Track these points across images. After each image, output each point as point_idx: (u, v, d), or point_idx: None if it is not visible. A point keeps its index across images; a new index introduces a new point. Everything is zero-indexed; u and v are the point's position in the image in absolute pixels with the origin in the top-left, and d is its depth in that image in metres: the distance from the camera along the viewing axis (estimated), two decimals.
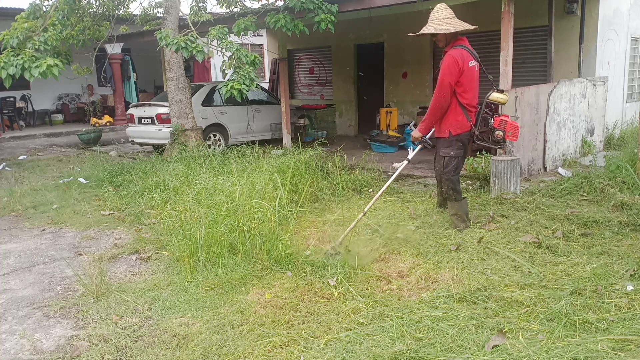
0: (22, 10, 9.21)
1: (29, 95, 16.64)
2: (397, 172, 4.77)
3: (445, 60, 4.32)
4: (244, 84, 7.35)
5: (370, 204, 4.54)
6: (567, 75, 8.48)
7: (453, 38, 4.43)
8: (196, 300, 3.57)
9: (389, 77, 11.77)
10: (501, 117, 4.34)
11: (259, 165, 6.31)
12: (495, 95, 4.31)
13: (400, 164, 5.02)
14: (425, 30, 4.45)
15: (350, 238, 4.35)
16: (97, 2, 10.54)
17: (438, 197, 5.13)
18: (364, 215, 4.45)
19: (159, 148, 10.09)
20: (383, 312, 3.21)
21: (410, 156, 4.77)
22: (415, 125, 9.52)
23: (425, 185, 6.69)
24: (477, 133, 4.40)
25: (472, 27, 4.38)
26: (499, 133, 4.30)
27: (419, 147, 4.75)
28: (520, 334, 2.84)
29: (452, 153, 4.50)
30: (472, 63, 4.35)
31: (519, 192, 5.89)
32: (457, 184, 4.63)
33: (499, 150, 6.34)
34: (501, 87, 6.41)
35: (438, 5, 4.51)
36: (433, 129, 4.67)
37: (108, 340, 3.07)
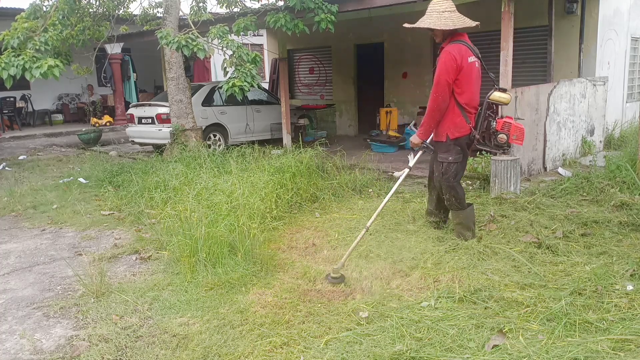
0: (22, 10, 9.20)
1: (29, 95, 16.64)
2: (399, 182, 4.30)
3: (442, 56, 3.99)
4: (245, 81, 7.35)
5: (372, 219, 4.10)
6: (567, 75, 8.48)
7: (451, 33, 4.10)
8: (196, 300, 3.57)
9: (389, 77, 11.77)
10: (504, 119, 4.02)
11: (259, 165, 6.31)
12: (497, 95, 3.98)
13: (402, 172, 4.57)
14: (422, 24, 4.08)
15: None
16: (97, 2, 10.54)
17: (428, 205, 4.75)
18: (366, 231, 4.03)
19: (159, 148, 10.08)
20: (383, 312, 3.22)
21: (411, 163, 4.40)
22: (415, 126, 9.51)
23: (425, 185, 6.68)
24: (477, 137, 4.07)
25: (474, 24, 4.06)
26: (502, 136, 3.97)
27: (420, 152, 4.40)
28: (520, 334, 2.84)
29: (450, 158, 4.18)
30: (472, 59, 4.02)
31: (519, 192, 5.89)
32: (459, 191, 4.30)
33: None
34: (501, 87, 6.40)
35: None
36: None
37: (108, 340, 3.07)
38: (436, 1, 4.12)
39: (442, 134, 4.19)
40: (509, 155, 6.04)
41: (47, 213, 6.14)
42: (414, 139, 4.28)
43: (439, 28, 4.02)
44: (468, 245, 4.20)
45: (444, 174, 4.26)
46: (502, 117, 4.06)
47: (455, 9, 4.11)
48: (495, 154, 6.10)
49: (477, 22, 4.07)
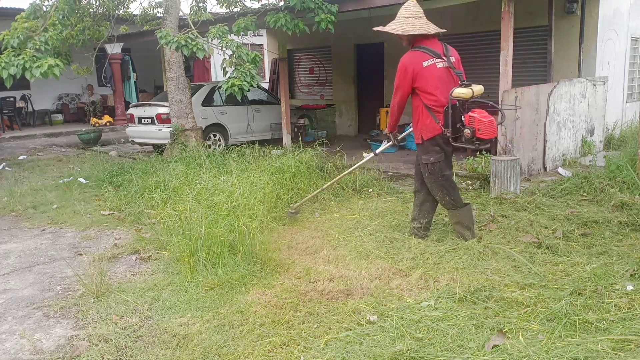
0: (22, 10, 9.20)
1: (29, 95, 16.63)
2: (361, 162, 5.17)
3: (398, 66, 4.19)
4: (244, 80, 7.36)
5: (330, 183, 5.49)
6: (567, 75, 8.47)
7: (415, 39, 4.22)
8: (196, 300, 3.57)
9: (389, 77, 11.76)
10: (470, 114, 3.96)
11: (259, 165, 6.32)
12: (457, 91, 3.95)
13: (368, 154, 5.23)
14: (387, 28, 4.27)
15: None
16: (97, 2, 10.54)
17: (412, 211, 4.68)
18: (322, 190, 5.50)
19: (159, 148, 10.09)
20: (383, 312, 3.22)
21: (378, 150, 4.97)
22: None
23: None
24: (448, 135, 4.06)
25: (435, 31, 4.17)
26: (467, 131, 3.96)
27: (390, 143, 4.78)
28: (520, 334, 2.84)
29: (432, 159, 4.23)
30: (429, 62, 4.10)
31: (519, 192, 5.89)
32: (450, 190, 4.31)
33: (499, 150, 6.35)
34: (501, 87, 6.41)
35: (407, 2, 4.31)
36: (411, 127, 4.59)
37: (108, 340, 3.07)
38: (404, 7, 4.28)
39: (418, 135, 4.32)
40: (506, 151, 6.04)
41: (47, 213, 6.14)
42: (386, 130, 4.71)
43: (398, 33, 4.22)
44: (468, 245, 4.20)
45: (431, 174, 4.31)
46: (468, 112, 4.01)
47: (422, 15, 4.22)
48: (491, 149, 6.09)
49: (443, 30, 4.22)
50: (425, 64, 4.11)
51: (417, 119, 4.29)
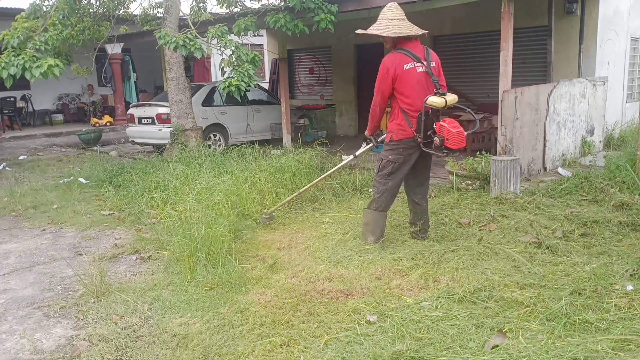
0: (22, 10, 9.20)
1: (29, 95, 16.64)
2: (341, 164, 5.15)
3: (380, 67, 4.18)
4: (242, 81, 7.36)
5: (307, 186, 5.36)
6: (567, 75, 8.48)
7: (398, 40, 4.22)
8: (196, 300, 3.57)
9: None
10: (441, 123, 4.03)
11: (259, 165, 6.32)
12: (430, 100, 3.98)
13: (348, 157, 5.08)
14: (372, 30, 4.26)
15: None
16: (97, 2, 10.54)
17: (409, 216, 4.69)
18: (299, 193, 5.34)
19: (159, 148, 10.09)
20: (383, 312, 3.22)
21: (357, 152, 4.87)
22: None
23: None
24: (420, 140, 4.10)
25: (420, 32, 4.19)
26: (436, 140, 4.03)
27: (369, 145, 4.76)
28: (520, 334, 2.85)
29: (390, 157, 4.24)
30: (409, 65, 4.10)
31: (518, 192, 5.89)
32: (387, 194, 4.30)
33: (499, 150, 6.35)
34: (501, 87, 6.41)
35: (389, 4, 4.31)
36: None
37: (108, 340, 3.07)
38: (386, 9, 4.28)
39: (388, 135, 4.33)
40: (506, 150, 6.04)
41: (47, 213, 6.14)
42: (366, 132, 4.65)
43: (385, 35, 4.19)
44: (468, 245, 4.20)
45: (380, 170, 4.34)
46: (439, 121, 4.08)
47: (404, 17, 4.24)
48: (491, 149, 6.09)
49: (424, 31, 4.22)
50: (406, 67, 4.11)
51: (391, 120, 4.32)
